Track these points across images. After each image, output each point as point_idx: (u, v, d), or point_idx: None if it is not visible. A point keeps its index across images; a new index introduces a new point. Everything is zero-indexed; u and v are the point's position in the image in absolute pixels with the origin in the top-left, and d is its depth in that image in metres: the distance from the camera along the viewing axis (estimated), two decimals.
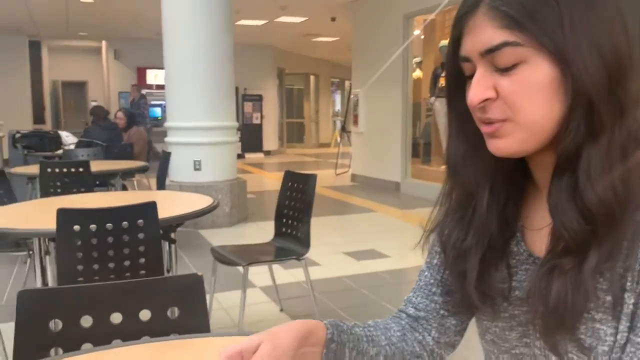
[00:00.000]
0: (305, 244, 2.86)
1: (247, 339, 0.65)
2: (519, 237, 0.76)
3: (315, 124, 17.95)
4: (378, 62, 8.08)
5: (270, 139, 14.77)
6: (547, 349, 0.71)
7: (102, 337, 1.11)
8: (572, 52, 0.60)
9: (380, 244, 4.78)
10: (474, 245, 0.74)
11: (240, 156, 12.82)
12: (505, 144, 0.65)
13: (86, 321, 1.12)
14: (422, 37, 8.29)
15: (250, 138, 13.96)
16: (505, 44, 0.61)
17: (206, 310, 1.16)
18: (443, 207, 0.80)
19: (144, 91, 12.48)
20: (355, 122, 8.94)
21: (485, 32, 0.63)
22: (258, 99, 14.27)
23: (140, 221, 2.03)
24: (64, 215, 1.98)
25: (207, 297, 3.00)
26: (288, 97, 17.13)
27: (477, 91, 0.64)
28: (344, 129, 11.05)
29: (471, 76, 0.67)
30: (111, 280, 2.10)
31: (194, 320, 1.15)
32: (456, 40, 0.68)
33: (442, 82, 7.05)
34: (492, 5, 0.62)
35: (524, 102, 0.62)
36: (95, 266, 2.06)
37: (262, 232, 5.00)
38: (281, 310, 3.28)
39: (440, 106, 7.26)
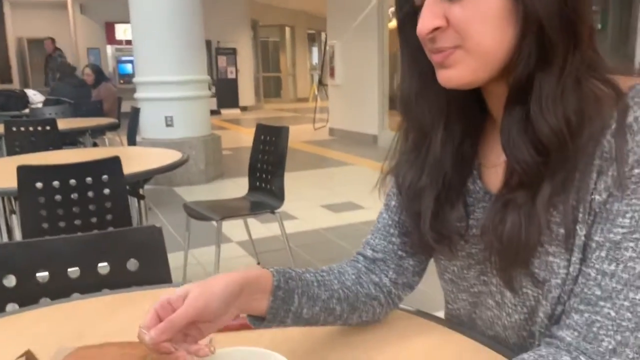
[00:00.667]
0: (280, 197, 2.84)
1: (180, 288, 0.63)
2: (475, 175, 0.74)
3: (293, 77, 17.70)
4: (354, 12, 7.91)
5: (246, 94, 14.54)
6: (502, 286, 0.70)
7: (60, 291, 1.08)
8: None
9: (358, 195, 4.79)
10: (428, 184, 0.73)
11: (216, 112, 12.65)
12: (456, 73, 0.63)
13: (43, 277, 1.09)
14: None
15: (225, 93, 13.72)
16: None
17: (167, 261, 1.13)
18: (399, 149, 0.78)
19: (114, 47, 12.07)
20: (332, 75, 8.82)
21: None
22: (232, 53, 13.95)
23: (104, 177, 1.99)
24: (25, 172, 1.92)
25: (182, 253, 3.01)
26: (263, 51, 16.78)
27: (426, 20, 0.61)
28: (321, 82, 10.91)
29: (422, 7, 0.63)
30: None
31: (155, 272, 1.13)
32: None
33: None
34: None
35: (476, 29, 0.59)
36: (62, 224, 2.01)
37: (238, 188, 4.97)
38: (258, 263, 3.28)
39: None
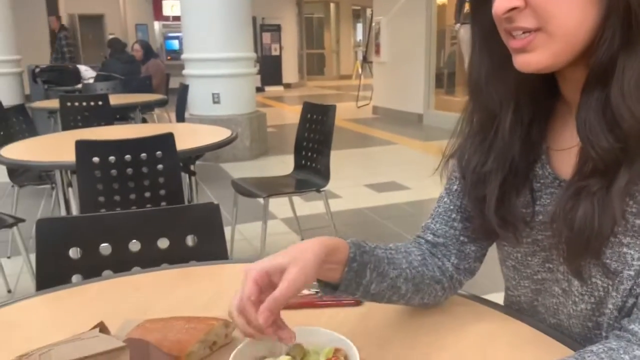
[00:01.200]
0: (325, 175, 2.85)
1: (271, 258, 0.63)
2: (544, 160, 0.72)
3: (336, 54, 17.54)
4: None
5: (289, 71, 14.53)
6: (570, 274, 0.69)
7: (122, 264, 1.12)
8: None
9: (401, 175, 4.75)
10: (494, 169, 0.71)
11: (259, 89, 12.70)
12: (536, 57, 0.60)
13: (105, 249, 1.13)
14: None
15: (269, 70, 13.74)
16: None
17: (224, 237, 1.16)
18: (463, 132, 0.76)
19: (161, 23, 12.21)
20: (377, 52, 8.70)
21: None
22: (276, 29, 13.92)
23: (158, 153, 2.03)
24: (82, 147, 1.98)
25: (229, 228, 3.07)
26: (307, 27, 16.66)
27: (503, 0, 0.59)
28: (365, 60, 10.77)
29: None
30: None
31: (213, 248, 1.16)
32: None
33: (467, 7, 6.75)
34: None
35: (557, 8, 0.57)
36: (117, 197, 2.08)
37: (282, 165, 5.00)
38: (302, 239, 3.31)
39: (465, 33, 6.98)
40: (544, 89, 0.70)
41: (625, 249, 0.62)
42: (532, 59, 0.61)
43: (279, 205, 3.69)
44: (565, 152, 0.69)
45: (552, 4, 0.57)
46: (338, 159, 5.49)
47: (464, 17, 7.12)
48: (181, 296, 0.93)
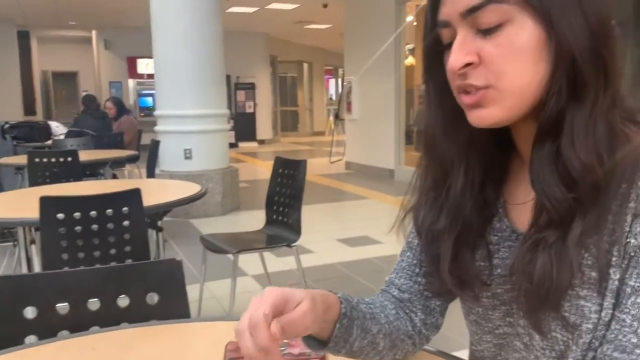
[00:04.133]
0: (297, 230, 2.83)
1: (290, 290, 0.60)
2: (501, 213, 0.73)
3: (310, 112, 17.87)
4: (371, 49, 8.02)
5: (263, 128, 14.70)
6: (530, 328, 0.68)
7: (79, 324, 1.08)
8: (557, 10, 0.57)
9: (373, 230, 4.76)
10: (447, 227, 0.71)
11: (233, 145, 12.77)
12: (489, 113, 0.62)
13: (62, 309, 1.09)
14: (415, 23, 8.22)
15: (243, 127, 13.88)
16: (489, 1, 0.58)
17: (186, 295, 1.13)
18: (417, 189, 0.76)
19: (135, 80, 12.35)
20: (349, 110, 8.89)
21: None
22: (251, 87, 14.17)
23: (125, 209, 2.00)
24: (47, 203, 1.94)
25: (197, 286, 2.99)
26: (281, 85, 17.02)
27: (458, 56, 0.60)
28: (337, 117, 10.99)
29: (450, 44, 0.63)
30: None
31: (174, 306, 1.13)
32: (434, 6, 0.65)
33: None
34: None
35: (509, 66, 0.59)
36: (81, 254, 2.02)
37: (254, 220, 4.97)
38: None
39: None
40: (497, 145, 0.71)
41: (582, 302, 0.62)
42: (485, 114, 0.62)
43: (249, 262, 3.64)
44: (522, 206, 0.70)
45: (504, 61, 0.59)
46: (311, 214, 5.51)
47: None
48: (139, 356, 0.89)
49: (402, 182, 7.82)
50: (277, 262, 3.82)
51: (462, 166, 0.69)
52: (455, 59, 0.60)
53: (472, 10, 0.59)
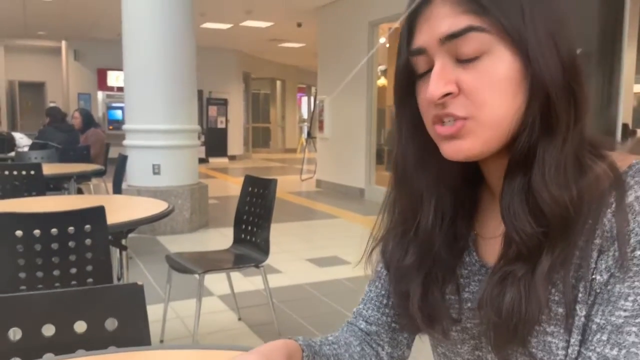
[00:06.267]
0: (265, 250, 2.80)
1: (241, 355, 0.59)
2: (471, 247, 0.72)
3: (282, 129, 17.89)
4: (343, 69, 8.09)
5: (235, 144, 14.63)
6: None
7: (32, 351, 1.02)
8: (533, 43, 0.57)
9: (343, 250, 4.74)
10: (416, 264, 0.69)
11: (204, 161, 12.66)
12: (467, 144, 0.60)
13: (14, 334, 1.04)
14: (387, 45, 8.35)
15: (214, 142, 13.80)
16: (470, 29, 0.57)
17: (147, 321, 1.09)
18: (386, 223, 0.74)
19: (104, 93, 12.18)
20: (321, 128, 8.93)
21: (447, 18, 0.58)
22: (223, 103, 14.12)
23: (87, 227, 1.94)
24: (4, 219, 1.87)
25: (162, 306, 2.92)
26: (254, 102, 17.01)
27: (438, 85, 0.59)
28: (309, 135, 11.02)
29: (424, 73, 0.62)
30: (56, 289, 2.00)
31: (134, 333, 1.08)
32: (408, 35, 0.64)
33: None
34: None
35: (489, 96, 0.58)
36: (39, 274, 1.94)
37: (223, 238, 4.91)
38: (239, 319, 3.19)
39: None
40: (467, 179, 0.71)
41: (549, 338, 0.61)
42: (463, 146, 0.61)
43: (216, 281, 3.58)
44: (492, 240, 0.69)
45: (483, 91, 0.58)
46: (280, 232, 5.47)
47: None
48: None
49: (373, 201, 7.86)
50: (245, 281, 3.76)
51: (432, 201, 0.68)
52: (435, 88, 0.59)
53: (452, 37, 0.58)
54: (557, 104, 0.58)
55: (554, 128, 0.58)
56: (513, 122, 0.59)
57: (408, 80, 0.66)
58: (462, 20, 0.58)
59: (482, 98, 0.58)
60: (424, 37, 0.61)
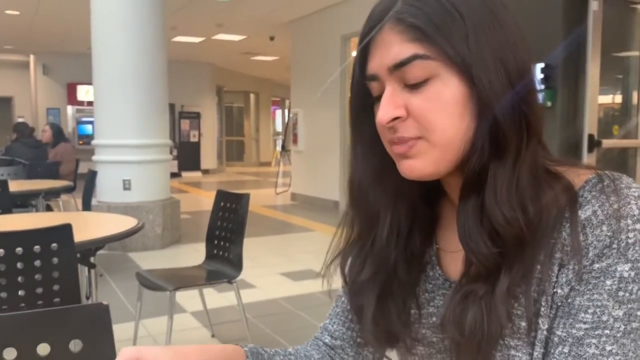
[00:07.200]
0: (238, 266, 2.77)
1: (146, 348, 0.58)
2: (434, 261, 0.72)
3: (256, 142, 17.83)
4: (317, 82, 8.14)
5: (208, 157, 14.51)
6: None
7: None
8: (478, 68, 0.58)
9: (318, 263, 4.66)
10: (371, 278, 0.70)
11: (176, 175, 12.54)
12: (419, 164, 0.61)
13: None
14: None
15: (187, 156, 13.67)
16: (415, 57, 0.58)
17: (113, 343, 1.06)
18: (344, 237, 0.74)
19: (74, 107, 11.97)
20: (295, 141, 8.94)
21: (394, 47, 0.60)
22: (196, 117, 14.02)
23: (54, 245, 1.89)
24: None
25: (133, 324, 2.86)
26: (228, 115, 16.94)
27: (387, 110, 0.60)
28: (284, 148, 11.03)
29: (379, 97, 0.63)
30: (22, 309, 1.94)
31: (100, 354, 1.06)
32: (362, 59, 0.65)
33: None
34: (398, 18, 0.59)
35: (437, 119, 0.59)
36: (3, 294, 1.89)
37: (195, 254, 4.85)
38: (213, 336, 3.15)
39: None
40: (429, 192, 0.72)
41: (513, 352, 0.62)
42: (415, 165, 0.62)
43: (189, 298, 3.53)
44: (455, 254, 0.70)
45: (431, 114, 0.59)
46: (255, 246, 5.43)
47: None
48: None
49: None
50: (218, 297, 3.72)
51: (388, 216, 0.69)
52: (384, 113, 0.60)
53: (399, 65, 0.59)
54: (505, 126, 0.59)
55: (504, 149, 0.59)
56: (463, 143, 0.60)
57: (364, 100, 0.67)
58: (408, 49, 0.59)
59: (430, 121, 0.60)
60: (375, 64, 0.62)
